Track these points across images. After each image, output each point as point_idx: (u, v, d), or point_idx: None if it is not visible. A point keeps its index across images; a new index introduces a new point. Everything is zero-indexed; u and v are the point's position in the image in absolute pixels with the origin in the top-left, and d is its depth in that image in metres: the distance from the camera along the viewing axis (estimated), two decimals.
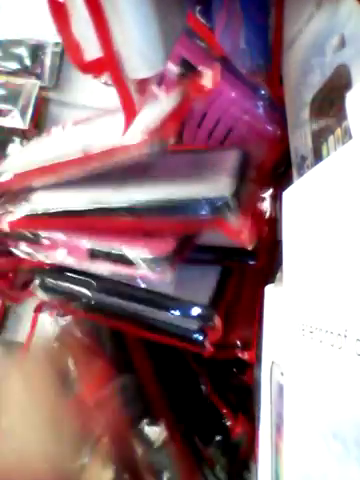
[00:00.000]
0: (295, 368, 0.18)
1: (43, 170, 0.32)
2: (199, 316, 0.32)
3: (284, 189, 0.21)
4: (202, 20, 0.36)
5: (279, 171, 0.38)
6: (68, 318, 0.38)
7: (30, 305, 0.42)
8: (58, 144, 0.37)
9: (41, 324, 0.40)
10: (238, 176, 0.30)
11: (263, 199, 0.33)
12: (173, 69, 0.37)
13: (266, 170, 0.38)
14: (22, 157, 0.39)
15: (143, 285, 0.33)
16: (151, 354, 0.38)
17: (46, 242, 0.33)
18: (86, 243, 0.31)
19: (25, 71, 0.63)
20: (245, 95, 0.35)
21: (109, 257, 0.31)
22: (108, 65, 0.23)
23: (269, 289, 0.26)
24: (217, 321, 0.32)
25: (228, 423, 0.36)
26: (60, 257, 0.33)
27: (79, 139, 0.35)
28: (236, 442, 0.35)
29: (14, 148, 0.60)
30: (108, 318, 0.36)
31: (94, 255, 0.31)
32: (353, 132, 0.17)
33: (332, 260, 0.16)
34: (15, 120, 0.60)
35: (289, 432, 0.19)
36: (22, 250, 0.35)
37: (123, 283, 0.34)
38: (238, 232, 0.28)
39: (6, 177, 0.35)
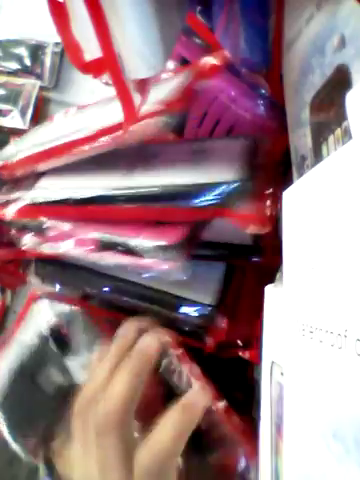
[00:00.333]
0: (295, 368, 0.18)
1: (48, 152, 0.32)
2: (204, 316, 0.32)
3: (284, 189, 0.21)
4: (202, 20, 0.36)
5: (279, 171, 0.38)
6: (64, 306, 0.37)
7: None
8: (63, 127, 0.37)
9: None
10: (248, 162, 0.29)
11: (273, 189, 0.32)
12: (173, 69, 0.37)
13: (269, 168, 0.38)
14: (26, 142, 0.39)
15: (148, 279, 0.32)
16: None
17: (51, 232, 0.32)
18: (93, 233, 0.30)
19: (25, 71, 0.63)
20: (245, 94, 0.35)
21: (117, 247, 0.30)
22: (108, 65, 0.23)
23: (269, 289, 0.26)
24: (222, 321, 0.32)
25: None
26: (65, 248, 0.31)
27: (86, 121, 0.34)
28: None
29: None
30: (108, 311, 0.36)
31: (102, 246, 0.30)
32: (353, 132, 0.17)
33: (332, 260, 0.16)
34: (15, 120, 0.60)
35: (289, 432, 0.19)
36: (26, 240, 0.33)
37: (124, 280, 0.34)
38: (247, 219, 0.27)
39: (10, 161, 0.34)
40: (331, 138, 0.24)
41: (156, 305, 0.33)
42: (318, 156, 0.25)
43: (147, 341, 0.30)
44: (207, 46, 0.37)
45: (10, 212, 0.32)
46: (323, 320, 0.16)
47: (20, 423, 0.36)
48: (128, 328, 0.32)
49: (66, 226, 0.31)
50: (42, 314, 0.36)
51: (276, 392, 0.23)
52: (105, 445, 0.26)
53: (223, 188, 0.27)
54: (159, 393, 0.31)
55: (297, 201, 0.20)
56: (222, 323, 0.32)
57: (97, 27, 0.22)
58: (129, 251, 0.29)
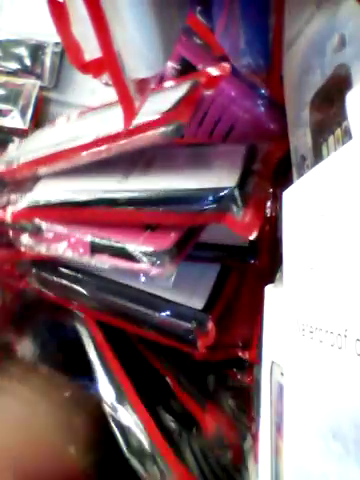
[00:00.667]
0: (295, 368, 0.18)
1: (48, 158, 0.32)
2: (192, 320, 0.32)
3: (284, 189, 0.21)
4: (202, 20, 0.36)
5: (279, 171, 0.38)
6: None
7: None
8: (64, 132, 0.37)
9: None
10: (244, 168, 0.30)
11: (270, 194, 0.32)
12: (173, 69, 0.37)
13: (267, 173, 0.38)
14: (27, 146, 0.39)
15: (143, 281, 0.32)
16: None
17: (48, 234, 0.33)
18: (88, 236, 0.31)
19: (25, 71, 0.63)
20: (245, 94, 0.35)
21: (110, 251, 0.30)
22: (108, 65, 0.23)
23: (269, 289, 0.26)
24: (210, 327, 0.32)
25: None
26: (61, 250, 0.32)
27: (87, 126, 0.34)
28: (216, 441, 0.34)
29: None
30: (101, 313, 0.36)
31: (95, 249, 0.31)
32: (353, 132, 0.17)
33: (332, 260, 0.16)
34: (15, 120, 0.60)
35: (289, 432, 0.19)
36: (23, 242, 0.34)
37: (118, 282, 0.34)
38: (243, 225, 0.27)
39: (11, 165, 0.34)
40: (331, 138, 0.24)
41: (144, 307, 0.33)
42: (318, 156, 0.25)
43: None
44: (207, 46, 0.37)
45: (8, 214, 0.33)
46: (323, 320, 0.16)
47: None
48: None
49: (62, 229, 0.32)
50: None
51: (276, 392, 0.23)
52: None
53: (220, 193, 0.27)
54: None
55: (297, 201, 0.20)
56: (211, 329, 0.32)
57: (97, 27, 0.22)
58: (120, 255, 0.29)
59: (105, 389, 0.34)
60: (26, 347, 0.38)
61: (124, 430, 0.32)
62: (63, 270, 0.35)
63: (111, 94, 0.27)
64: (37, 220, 0.33)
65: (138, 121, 0.27)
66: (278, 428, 0.22)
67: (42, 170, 0.33)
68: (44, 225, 0.32)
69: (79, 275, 0.35)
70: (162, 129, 0.28)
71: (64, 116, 0.42)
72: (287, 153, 0.31)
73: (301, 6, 0.27)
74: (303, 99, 0.27)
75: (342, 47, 0.23)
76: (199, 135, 0.39)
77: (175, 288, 0.32)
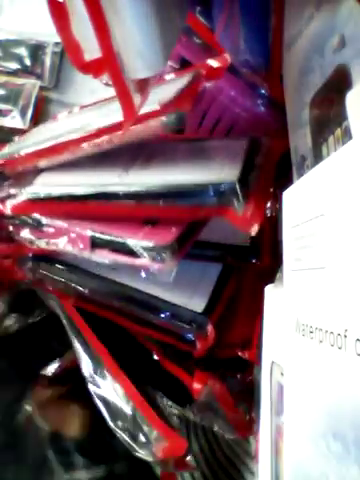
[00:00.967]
0: (295, 368, 0.18)
1: (49, 150, 0.31)
2: (192, 322, 0.32)
3: (284, 189, 0.21)
4: (202, 20, 0.36)
5: (279, 171, 0.38)
6: None
7: None
8: (66, 125, 0.37)
9: None
10: (246, 162, 0.29)
11: (273, 189, 0.32)
12: (172, 69, 0.37)
13: (269, 168, 0.38)
14: (28, 139, 0.39)
15: (143, 282, 0.32)
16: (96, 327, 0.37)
17: (48, 229, 0.32)
18: (88, 231, 0.30)
19: (25, 71, 0.63)
20: (245, 93, 0.35)
21: (111, 246, 0.30)
22: (107, 65, 0.23)
23: (269, 289, 0.26)
24: (209, 330, 0.31)
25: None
26: (61, 245, 0.31)
27: (89, 119, 0.34)
28: (205, 401, 0.34)
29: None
30: (99, 308, 0.35)
31: (96, 244, 0.30)
32: (353, 132, 0.17)
33: (332, 260, 0.16)
34: (15, 120, 0.60)
35: (289, 432, 0.19)
36: (23, 236, 0.34)
37: (117, 282, 0.34)
38: (244, 220, 0.27)
39: (12, 157, 0.34)
40: (331, 138, 0.24)
41: (144, 308, 0.33)
42: (318, 156, 0.25)
43: None
44: (207, 46, 0.37)
45: (8, 207, 0.32)
46: (323, 320, 0.16)
47: None
48: None
49: (62, 223, 0.31)
50: None
51: (276, 392, 0.23)
52: None
53: (221, 188, 0.27)
54: None
55: (297, 201, 0.20)
56: (209, 332, 0.31)
57: (97, 27, 0.22)
58: (121, 250, 0.29)
59: (84, 361, 0.34)
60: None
61: (107, 402, 0.32)
62: (61, 267, 0.35)
63: (111, 94, 0.27)
64: (37, 214, 0.32)
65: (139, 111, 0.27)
66: (278, 428, 0.22)
67: (43, 162, 0.32)
68: (44, 219, 0.32)
69: (78, 273, 0.34)
70: (163, 119, 0.27)
71: (66, 110, 0.41)
72: (287, 153, 0.31)
73: (301, 6, 0.27)
74: (303, 99, 0.27)
75: (342, 47, 0.23)
76: (198, 135, 0.39)
77: (175, 289, 0.32)
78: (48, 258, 0.35)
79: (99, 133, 0.29)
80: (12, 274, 0.37)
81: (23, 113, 0.60)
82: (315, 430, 0.16)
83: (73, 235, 0.31)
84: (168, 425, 0.31)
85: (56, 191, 0.31)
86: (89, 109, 0.38)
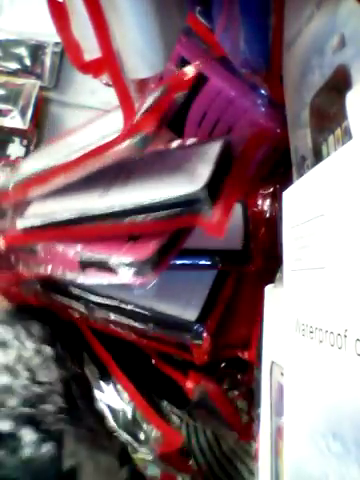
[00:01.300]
0: (295, 368, 0.18)
1: (33, 181, 0.33)
2: (187, 332, 0.32)
3: (284, 189, 0.21)
4: (202, 20, 0.36)
5: (279, 171, 0.38)
6: None
7: None
8: (52, 153, 0.38)
9: None
10: (216, 167, 0.29)
11: (273, 189, 0.32)
12: (173, 69, 0.37)
13: (267, 169, 0.38)
14: (21, 169, 0.39)
15: (136, 294, 0.32)
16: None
17: (41, 254, 0.33)
18: (76, 253, 0.31)
19: (25, 71, 0.63)
20: (244, 94, 0.35)
21: (97, 265, 0.31)
22: (107, 65, 0.23)
23: (269, 289, 0.26)
24: (205, 338, 0.32)
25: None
26: (55, 269, 0.33)
27: (69, 145, 0.35)
28: (200, 400, 0.34)
29: (14, 148, 0.60)
30: (101, 325, 0.36)
31: (84, 264, 0.31)
32: (353, 132, 0.17)
33: (332, 260, 0.16)
34: (15, 120, 0.60)
35: (289, 432, 0.19)
36: (22, 264, 0.35)
37: (114, 298, 0.34)
38: (212, 225, 0.27)
39: (4, 191, 0.35)
40: (331, 138, 0.24)
41: (139, 321, 0.33)
42: (318, 156, 0.25)
43: None
44: (207, 46, 0.37)
45: (3, 241, 0.33)
46: (323, 320, 0.16)
47: None
48: None
49: (52, 247, 0.32)
50: None
51: (276, 392, 0.23)
52: None
53: (189, 197, 0.27)
54: None
55: (297, 201, 0.20)
56: (205, 339, 0.31)
57: (96, 27, 0.22)
58: (106, 268, 0.30)
59: (90, 369, 0.34)
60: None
61: (110, 406, 0.32)
62: (62, 287, 0.36)
63: (111, 94, 0.27)
64: (30, 243, 0.33)
65: (107, 138, 0.28)
66: (278, 428, 0.22)
67: (32, 193, 0.34)
68: (38, 246, 0.33)
69: (77, 292, 0.35)
70: (127, 142, 0.28)
71: (50, 141, 0.42)
72: (287, 153, 0.31)
73: (301, 6, 0.27)
74: (303, 99, 0.27)
75: (342, 47, 0.23)
76: (198, 135, 0.39)
77: (170, 299, 0.33)
78: (49, 280, 0.36)
79: (71, 164, 0.30)
80: (22, 299, 0.38)
81: (23, 113, 0.60)
82: (315, 430, 0.16)
83: (63, 259, 0.32)
84: (166, 422, 0.31)
85: (44, 220, 0.32)
86: (75, 133, 0.39)
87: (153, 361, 0.37)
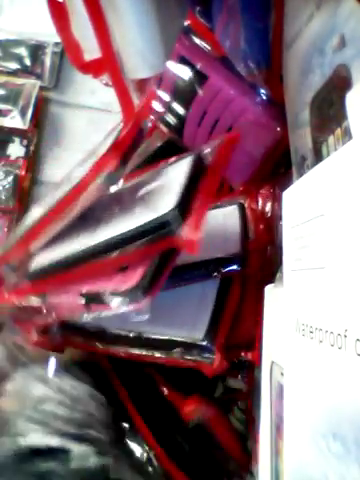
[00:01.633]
0: (295, 368, 0.18)
1: (29, 236, 0.34)
2: (197, 351, 0.32)
3: (284, 189, 0.21)
4: (202, 20, 0.36)
5: (279, 171, 0.38)
6: None
7: None
8: (43, 202, 0.39)
9: None
10: (186, 185, 0.30)
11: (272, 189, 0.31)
12: (173, 69, 0.37)
13: (267, 168, 0.38)
14: (24, 225, 0.40)
15: (140, 326, 0.33)
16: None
17: (52, 301, 0.34)
18: (79, 294, 0.32)
19: (25, 71, 0.63)
20: (244, 92, 0.35)
21: (97, 300, 0.31)
22: (107, 65, 0.23)
23: (269, 289, 0.26)
24: (215, 355, 0.32)
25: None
26: (65, 312, 0.34)
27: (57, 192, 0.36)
28: (196, 425, 0.34)
29: (14, 148, 0.60)
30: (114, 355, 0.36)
31: (87, 303, 0.32)
32: (353, 132, 0.17)
33: (332, 260, 0.16)
34: (15, 120, 0.60)
35: (289, 432, 0.19)
36: (35, 313, 0.36)
37: (120, 331, 0.35)
38: (185, 243, 0.27)
39: (8, 251, 0.36)
40: (331, 138, 0.24)
41: (151, 350, 0.34)
42: (318, 156, 0.25)
43: None
44: (207, 46, 0.37)
45: (11, 297, 0.34)
46: (323, 320, 0.16)
47: None
48: None
49: (58, 293, 0.33)
50: None
51: (276, 392, 0.23)
52: None
53: (161, 220, 0.28)
54: None
55: (297, 201, 0.20)
56: (215, 360, 0.32)
57: (96, 27, 0.22)
58: (103, 301, 0.31)
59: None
60: None
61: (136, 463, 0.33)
62: (78, 328, 0.36)
63: (111, 94, 0.27)
64: (37, 293, 0.34)
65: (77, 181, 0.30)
66: (278, 428, 0.22)
67: (30, 247, 0.35)
68: (46, 295, 0.34)
69: (92, 330, 0.36)
70: (94, 183, 0.29)
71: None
72: (287, 153, 0.31)
73: (301, 6, 0.27)
74: (303, 99, 0.27)
75: (342, 47, 0.23)
76: (198, 135, 0.39)
77: (176, 323, 0.33)
78: (66, 323, 0.36)
79: (53, 213, 0.31)
80: (47, 345, 0.38)
81: (23, 113, 0.60)
82: (315, 430, 0.16)
83: (69, 301, 0.33)
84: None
85: (45, 268, 0.33)
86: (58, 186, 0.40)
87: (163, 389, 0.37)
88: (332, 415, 0.15)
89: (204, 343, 0.32)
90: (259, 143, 0.36)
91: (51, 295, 0.34)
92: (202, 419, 0.34)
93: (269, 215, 0.38)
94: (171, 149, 0.41)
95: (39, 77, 0.63)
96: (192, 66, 0.37)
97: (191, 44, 0.37)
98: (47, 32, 0.61)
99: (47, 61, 0.63)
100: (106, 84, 0.39)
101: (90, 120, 0.63)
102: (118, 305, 0.29)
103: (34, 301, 0.34)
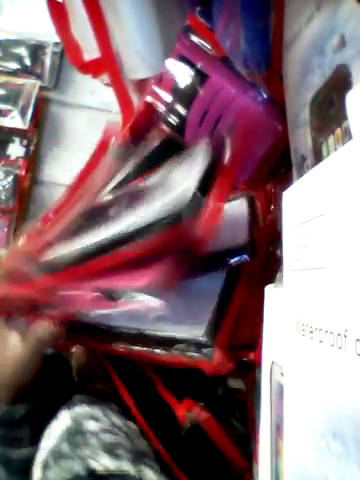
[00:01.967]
0: (295, 368, 0.18)
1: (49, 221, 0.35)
2: (198, 349, 0.32)
3: (284, 189, 0.21)
4: (202, 20, 0.36)
5: (279, 171, 0.38)
6: None
7: None
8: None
9: None
10: (201, 177, 0.30)
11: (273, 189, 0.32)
12: (173, 69, 0.37)
13: (268, 167, 0.38)
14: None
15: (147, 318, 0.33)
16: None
17: (71, 296, 0.34)
18: (93, 290, 0.32)
19: (25, 71, 0.63)
20: (245, 91, 0.35)
21: (112, 298, 0.32)
22: (106, 65, 0.23)
23: (269, 289, 0.26)
24: (216, 355, 0.32)
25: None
26: (87, 306, 0.34)
27: None
28: (191, 429, 0.34)
29: (14, 148, 0.60)
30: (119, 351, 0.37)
31: (109, 297, 0.33)
32: (353, 132, 0.17)
33: (332, 260, 0.16)
34: (15, 120, 0.60)
35: (289, 432, 0.19)
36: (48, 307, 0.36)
37: (122, 328, 0.35)
38: (203, 226, 0.28)
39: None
40: (331, 138, 0.24)
41: (154, 347, 0.34)
42: (318, 156, 0.25)
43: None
44: (207, 46, 0.37)
45: (31, 287, 0.34)
46: (323, 320, 0.16)
47: None
48: None
49: (71, 286, 0.34)
50: None
51: (276, 392, 0.23)
52: None
53: (172, 213, 0.28)
54: None
55: (297, 201, 0.20)
56: (215, 356, 0.32)
57: (96, 27, 0.22)
58: (118, 297, 0.31)
59: None
60: None
61: None
62: (84, 325, 0.37)
63: (111, 94, 0.27)
64: (54, 287, 0.34)
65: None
66: (278, 428, 0.22)
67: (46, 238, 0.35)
68: (61, 289, 0.34)
69: (99, 328, 0.36)
70: (108, 154, 0.30)
71: None
72: (287, 153, 0.31)
73: (301, 6, 0.27)
74: (303, 99, 0.27)
75: (342, 47, 0.23)
76: (199, 135, 0.39)
77: (177, 320, 0.33)
78: (74, 323, 0.37)
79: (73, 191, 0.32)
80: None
81: (23, 113, 0.60)
82: (315, 430, 0.16)
83: (82, 297, 0.33)
84: None
85: (62, 258, 0.33)
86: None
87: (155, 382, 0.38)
88: (332, 415, 0.15)
89: (204, 339, 0.32)
90: (260, 141, 0.36)
91: (65, 288, 0.34)
92: (196, 423, 0.34)
93: (272, 208, 0.39)
94: (171, 147, 0.41)
95: (39, 77, 0.63)
96: (193, 66, 0.37)
97: (191, 44, 0.37)
98: (47, 32, 0.61)
99: (47, 61, 0.63)
100: (106, 84, 0.39)
101: (90, 120, 0.63)
102: (137, 301, 0.29)
103: (47, 294, 0.34)
